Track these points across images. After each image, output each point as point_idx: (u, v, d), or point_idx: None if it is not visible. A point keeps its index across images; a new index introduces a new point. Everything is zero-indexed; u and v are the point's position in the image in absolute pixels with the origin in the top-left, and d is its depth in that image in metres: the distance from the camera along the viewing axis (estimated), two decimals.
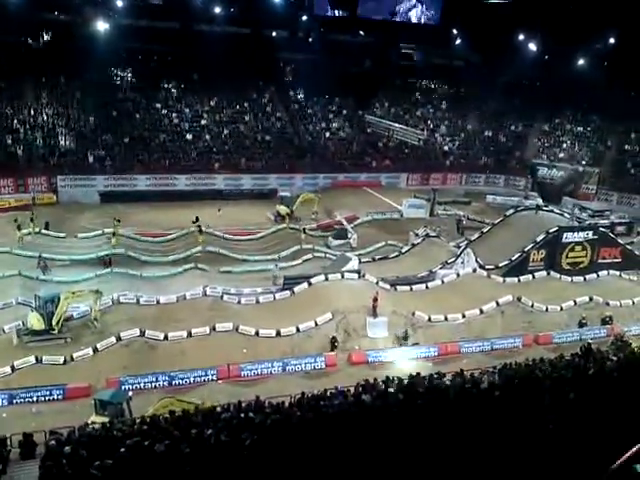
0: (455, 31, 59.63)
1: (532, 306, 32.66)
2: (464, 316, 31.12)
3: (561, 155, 58.93)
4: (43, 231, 38.03)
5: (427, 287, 33.79)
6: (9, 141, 46.07)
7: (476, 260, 36.28)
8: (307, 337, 28.31)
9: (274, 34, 56.87)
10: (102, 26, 48.87)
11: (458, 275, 34.77)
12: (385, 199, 50.30)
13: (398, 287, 33.12)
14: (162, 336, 26.66)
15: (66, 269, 34.51)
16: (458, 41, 60.14)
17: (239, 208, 45.98)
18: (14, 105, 48.35)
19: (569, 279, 36.50)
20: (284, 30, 57.26)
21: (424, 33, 60.05)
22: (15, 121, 47.53)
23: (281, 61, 58.79)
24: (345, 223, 42.78)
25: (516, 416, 11.52)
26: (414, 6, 60.02)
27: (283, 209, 43.91)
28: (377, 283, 32.29)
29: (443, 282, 34.23)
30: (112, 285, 31.95)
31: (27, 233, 36.71)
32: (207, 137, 52.92)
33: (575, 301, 33.50)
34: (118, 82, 52.98)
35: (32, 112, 48.46)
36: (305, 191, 48.40)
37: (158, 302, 29.93)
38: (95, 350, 25.49)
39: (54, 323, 26.39)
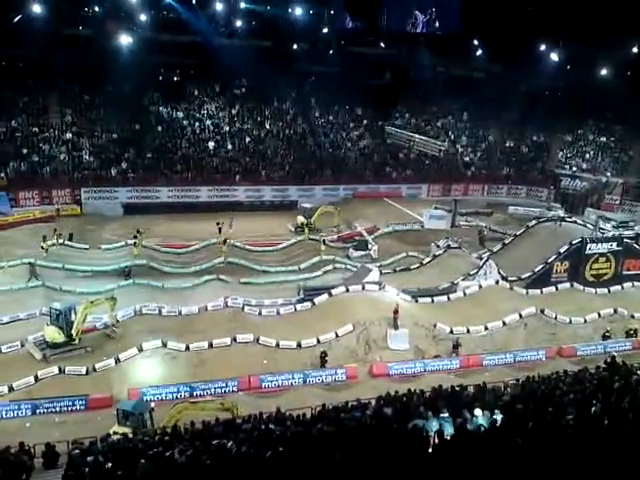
0: (476, 41, 59.48)
1: (555, 318, 32.32)
2: (486, 328, 30.89)
3: (584, 165, 58.36)
4: (67, 242, 38.42)
5: (449, 299, 33.52)
6: (35, 158, 46.70)
7: (498, 271, 35.98)
8: (328, 349, 28.23)
9: (295, 46, 57.21)
10: (125, 40, 49.41)
11: (480, 287, 34.43)
12: (406, 210, 50.18)
13: (419, 299, 32.98)
14: (183, 347, 26.78)
15: (89, 280, 34.83)
16: (479, 51, 59.97)
17: (260, 219, 46.17)
18: (39, 121, 48.96)
19: (593, 291, 36.04)
20: (305, 42, 57.56)
21: (444, 44, 59.97)
22: (40, 136, 48.14)
23: (302, 73, 59.02)
24: (365, 234, 42.70)
25: (539, 430, 11.35)
26: (434, 17, 60.05)
27: (301, 220, 43.99)
28: (398, 294, 32.17)
29: (465, 294, 33.91)
30: (134, 296, 32.12)
31: (51, 244, 37.13)
32: (229, 147, 53.29)
33: (599, 313, 33.09)
34: (141, 95, 53.48)
35: (56, 127, 49.06)
36: (325, 202, 48.49)
37: (180, 313, 30.02)
38: (117, 361, 25.65)
39: (74, 334, 26.54)
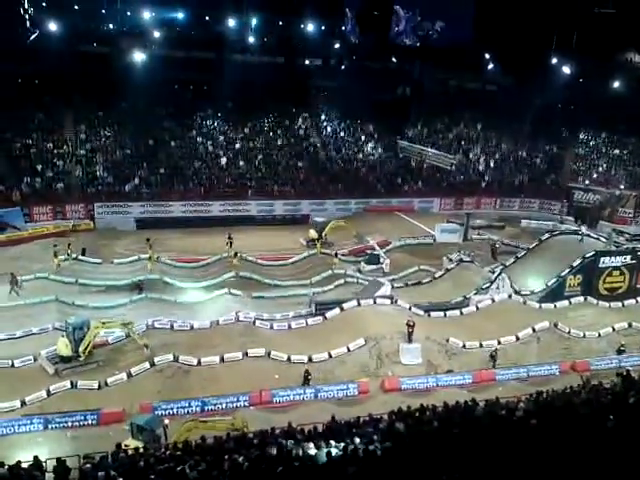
0: (488, 55, 59.60)
1: (569, 332, 32.07)
2: (499, 342, 30.64)
3: (596, 178, 58.06)
4: (80, 257, 38.66)
5: (461, 313, 33.36)
6: (50, 173, 47.12)
7: (511, 285, 35.78)
8: (339, 363, 28.17)
9: (307, 62, 57.61)
10: (139, 56, 49.88)
11: (493, 301, 34.26)
12: (418, 224, 50.10)
13: (432, 313, 32.81)
14: (195, 361, 26.78)
15: (102, 295, 35.00)
16: (491, 65, 60.09)
17: (272, 234, 46.26)
18: (54, 137, 49.43)
19: (607, 305, 35.76)
20: (317, 58, 57.97)
21: (457, 57, 60.14)
22: (55, 152, 48.57)
23: (314, 87, 59.36)
24: (377, 248, 42.64)
25: (552, 445, 11.24)
26: (445, 29, 60.29)
27: (313, 234, 44.02)
28: (410, 309, 32.04)
29: (478, 308, 33.75)
30: (146, 310, 32.26)
31: (64, 259, 37.37)
32: (241, 163, 53.51)
33: (613, 327, 32.79)
34: (155, 111, 53.88)
35: (71, 143, 49.51)
36: (337, 216, 48.58)
37: (192, 327, 30.03)
38: (129, 375, 25.70)
39: (81, 350, 26.60)
